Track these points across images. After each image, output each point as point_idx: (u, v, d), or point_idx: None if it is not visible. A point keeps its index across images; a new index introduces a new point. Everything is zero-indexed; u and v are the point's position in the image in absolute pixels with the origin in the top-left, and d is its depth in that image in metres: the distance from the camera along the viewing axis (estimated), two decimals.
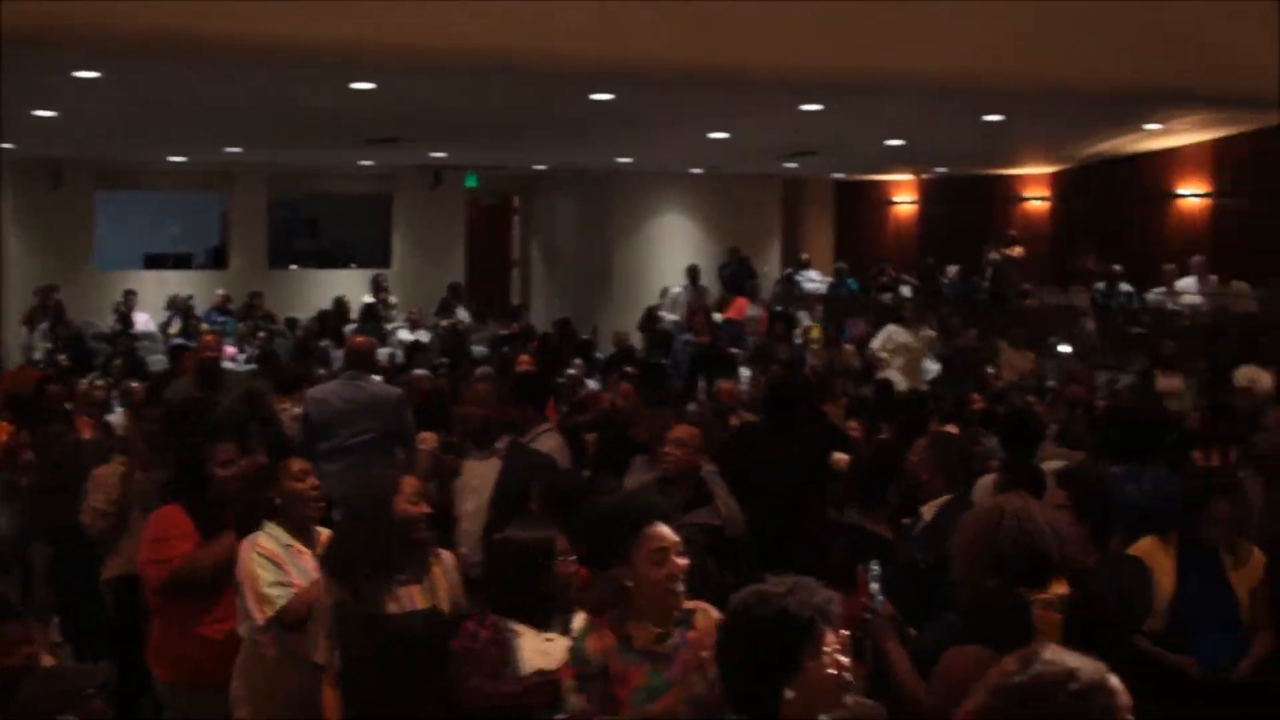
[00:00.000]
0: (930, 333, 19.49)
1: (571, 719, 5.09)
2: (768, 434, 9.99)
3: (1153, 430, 8.99)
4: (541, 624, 5.96)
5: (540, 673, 5.71)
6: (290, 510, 6.93)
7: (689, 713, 5.02)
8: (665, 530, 5.22)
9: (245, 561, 6.73)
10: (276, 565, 6.70)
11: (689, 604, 5.30)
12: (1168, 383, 15.22)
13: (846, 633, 4.23)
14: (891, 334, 19.16)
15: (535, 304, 30.13)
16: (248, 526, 6.96)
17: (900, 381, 16.51)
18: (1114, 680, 3.26)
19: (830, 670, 4.15)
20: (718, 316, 24.30)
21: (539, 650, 5.84)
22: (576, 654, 5.14)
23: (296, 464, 7.12)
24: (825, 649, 4.15)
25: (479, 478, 9.28)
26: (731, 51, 14.84)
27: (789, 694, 4.09)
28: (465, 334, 22.42)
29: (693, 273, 27.15)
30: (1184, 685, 6.82)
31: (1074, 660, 3.27)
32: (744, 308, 23.35)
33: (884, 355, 18.35)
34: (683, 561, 5.20)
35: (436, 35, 13.46)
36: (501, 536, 6.42)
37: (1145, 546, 7.21)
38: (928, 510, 7.92)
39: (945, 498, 7.93)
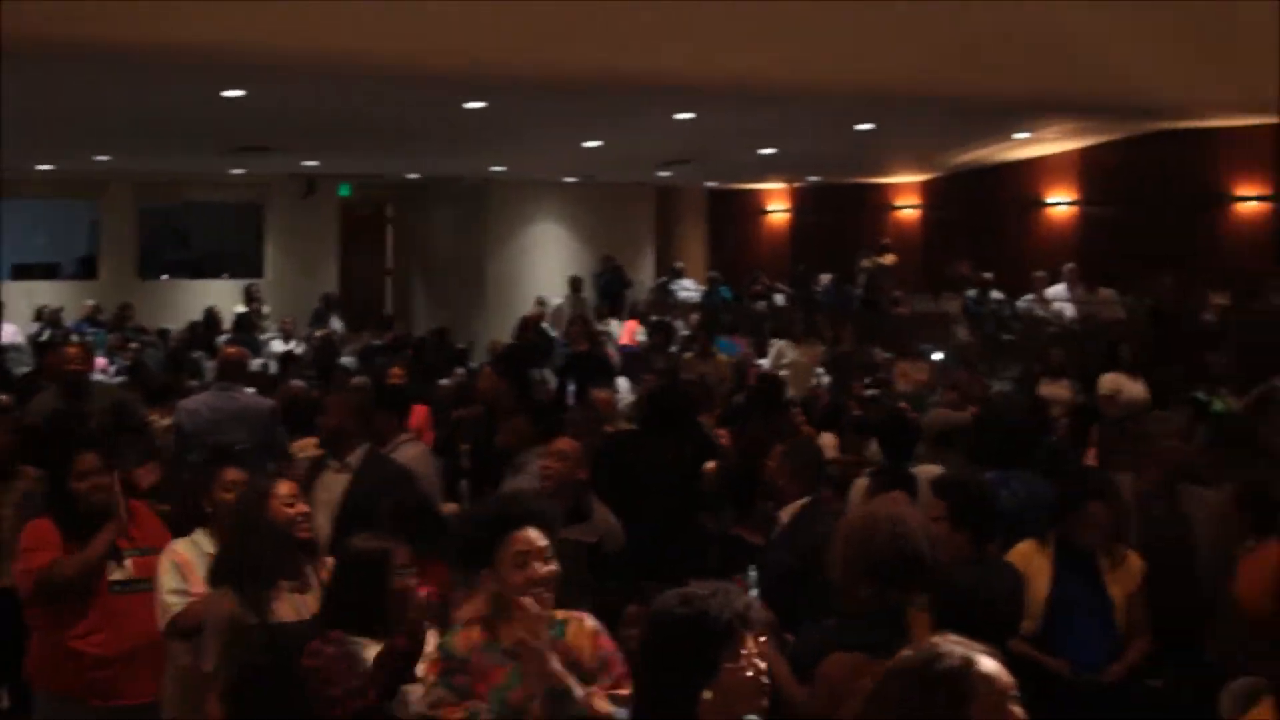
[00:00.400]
0: (818, 346, 19.58)
1: (431, 707, 5.02)
2: (644, 442, 9.98)
3: (1025, 436, 9.07)
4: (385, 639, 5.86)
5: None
6: (220, 520, 6.87)
7: (547, 709, 4.98)
8: (532, 534, 5.14)
9: (158, 568, 6.76)
10: (182, 574, 6.68)
11: (563, 614, 5.25)
12: (1053, 390, 15.35)
13: (765, 638, 4.24)
14: (781, 349, 19.23)
15: (410, 314, 29.99)
16: (180, 534, 6.98)
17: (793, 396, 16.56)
18: (991, 662, 3.37)
19: (748, 673, 4.17)
20: (618, 327, 24.28)
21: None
22: (444, 648, 5.08)
23: (230, 474, 7.06)
24: (744, 652, 4.17)
25: (329, 490, 8.95)
26: (603, 60, 14.85)
27: (706, 695, 4.11)
28: (338, 344, 22.23)
29: (575, 284, 27.12)
30: (1057, 686, 6.89)
31: (957, 646, 3.41)
32: (635, 330, 23.33)
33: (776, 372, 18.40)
34: (547, 568, 5.12)
35: (306, 41, 13.36)
36: (342, 547, 6.24)
37: (1023, 550, 7.29)
38: (784, 515, 7.99)
39: (801, 502, 7.98)
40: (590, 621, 5.23)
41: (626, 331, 22.96)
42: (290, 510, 6.40)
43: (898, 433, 9.93)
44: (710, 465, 10.05)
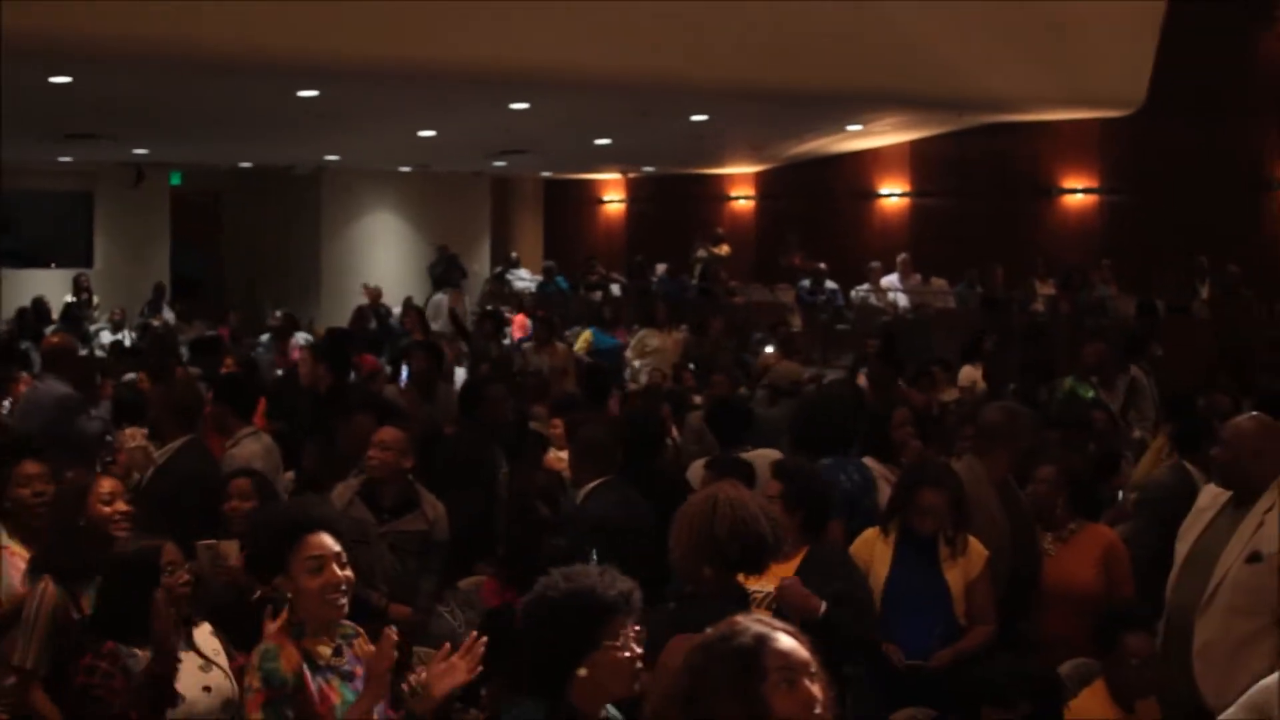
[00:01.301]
0: (681, 334, 19.58)
1: None
2: (466, 433, 10.08)
3: (853, 423, 9.19)
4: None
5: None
6: (16, 515, 6.79)
7: None
8: (325, 539, 5.05)
9: None
10: None
11: (350, 625, 5.18)
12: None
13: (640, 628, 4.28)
14: (643, 337, 19.22)
15: (244, 304, 29.62)
16: None
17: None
18: (787, 640, 3.52)
19: (625, 654, 4.21)
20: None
21: (199, 676, 5.60)
22: (269, 677, 4.89)
23: (27, 468, 6.93)
24: (624, 633, 4.21)
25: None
26: (436, 49, 14.80)
27: (582, 673, 4.14)
28: (170, 334, 21.91)
29: (438, 266, 26.98)
30: (891, 672, 6.96)
31: (755, 624, 3.57)
32: (524, 324, 23.17)
33: (636, 362, 18.39)
34: (344, 573, 5.04)
35: (133, 27, 13.16)
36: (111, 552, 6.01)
37: (867, 537, 7.34)
38: (581, 495, 8.10)
39: (595, 482, 8.09)
40: (369, 644, 5.11)
41: (517, 325, 22.79)
42: (108, 508, 6.28)
43: (728, 415, 10.02)
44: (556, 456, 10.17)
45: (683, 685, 3.60)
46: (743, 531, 5.34)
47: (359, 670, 5.06)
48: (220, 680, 5.60)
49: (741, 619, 3.68)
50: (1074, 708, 6.16)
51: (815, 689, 3.56)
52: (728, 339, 18.85)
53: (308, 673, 4.94)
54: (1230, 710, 5.70)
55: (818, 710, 3.55)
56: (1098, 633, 6.61)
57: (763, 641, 3.57)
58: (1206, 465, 8.40)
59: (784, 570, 6.36)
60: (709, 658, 3.58)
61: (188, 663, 5.57)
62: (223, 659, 5.70)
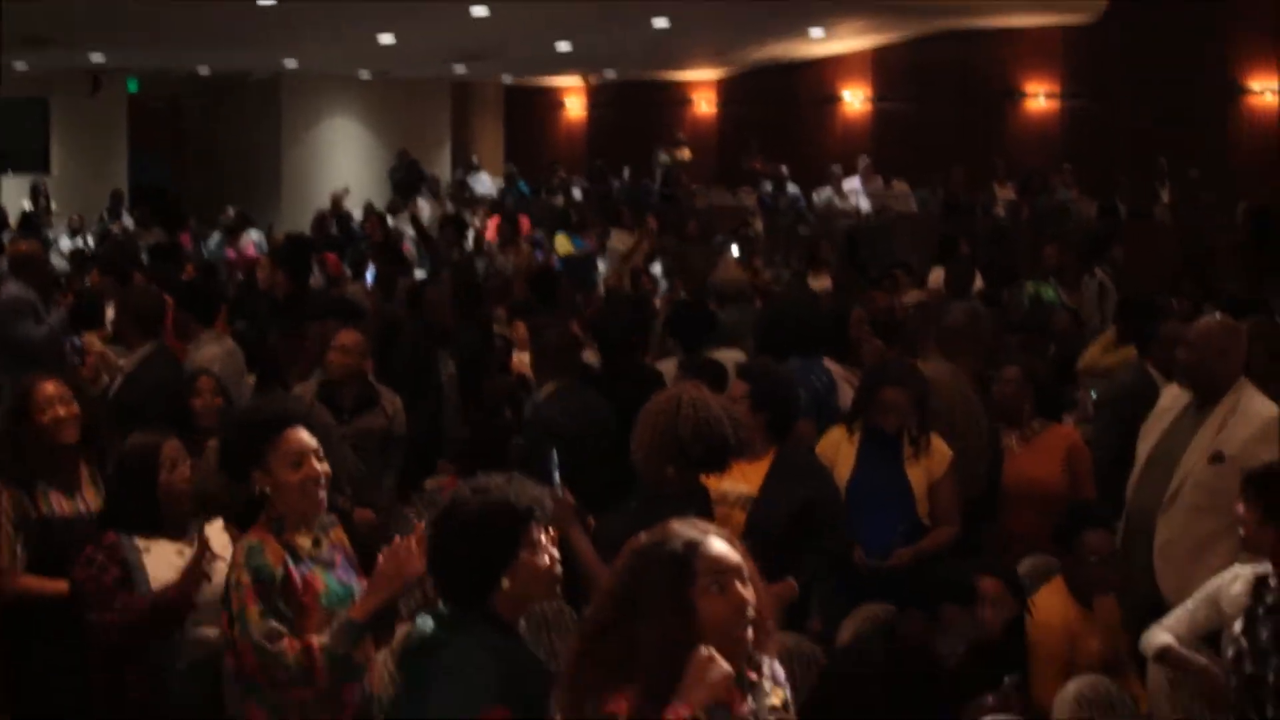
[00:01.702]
0: (642, 237, 19.46)
1: (269, 638, 4.92)
2: (409, 336, 10.14)
3: (817, 325, 9.22)
4: (173, 534, 5.78)
5: (166, 588, 5.56)
6: None
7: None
8: (303, 434, 5.11)
9: None
10: None
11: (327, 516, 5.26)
12: (817, 282, 15.48)
13: (556, 532, 4.31)
14: (612, 240, 19.14)
15: (205, 210, 29.43)
16: None
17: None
18: (718, 545, 3.63)
19: (543, 561, 4.22)
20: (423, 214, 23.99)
21: (171, 564, 5.66)
22: (258, 572, 4.93)
23: None
24: (539, 541, 4.22)
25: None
26: None
27: (505, 584, 4.15)
28: (130, 241, 21.78)
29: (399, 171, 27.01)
30: (853, 570, 7.01)
31: (689, 529, 3.68)
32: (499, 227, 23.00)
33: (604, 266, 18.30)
34: (322, 466, 5.10)
35: None
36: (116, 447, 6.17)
37: (832, 436, 7.40)
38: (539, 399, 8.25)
39: (552, 385, 8.26)
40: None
41: (492, 228, 22.64)
42: (59, 411, 6.27)
43: (689, 320, 10.05)
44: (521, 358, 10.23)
45: (618, 587, 3.68)
46: (706, 432, 5.36)
47: (339, 559, 5.15)
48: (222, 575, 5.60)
49: (676, 524, 3.75)
50: (1033, 604, 6.21)
51: (746, 593, 3.64)
52: (698, 243, 18.74)
53: (291, 565, 4.98)
54: (1185, 602, 5.78)
55: (750, 613, 3.64)
56: (1058, 531, 6.68)
57: (693, 547, 3.65)
58: (1164, 366, 8.51)
59: (754, 470, 6.42)
60: (643, 562, 3.66)
61: (167, 553, 5.71)
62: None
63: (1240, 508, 5.35)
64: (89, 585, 5.60)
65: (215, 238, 21.12)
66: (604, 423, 7.91)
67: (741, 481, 6.35)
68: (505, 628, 4.17)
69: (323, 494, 5.12)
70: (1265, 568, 5.34)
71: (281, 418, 5.18)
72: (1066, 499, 7.65)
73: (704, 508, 5.43)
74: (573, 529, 5.46)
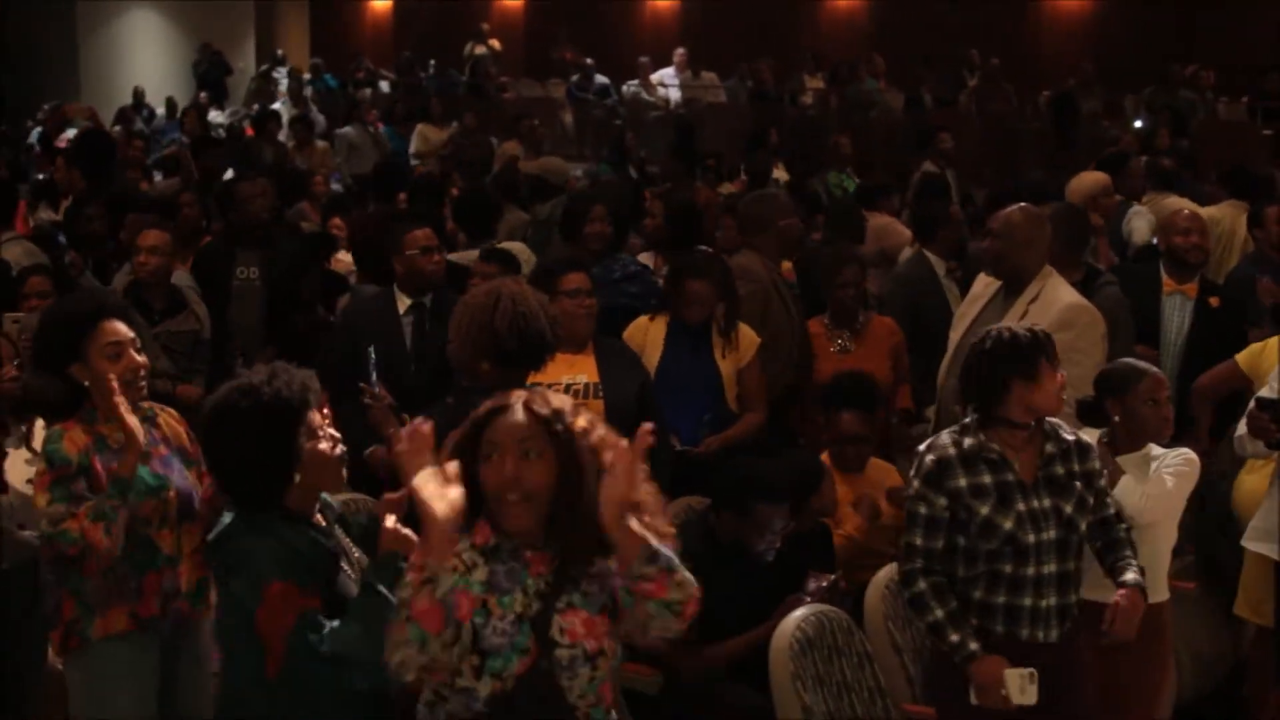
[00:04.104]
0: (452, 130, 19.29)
1: (53, 524, 4.90)
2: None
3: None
4: None
5: None
6: None
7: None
8: (120, 326, 5.10)
9: None
10: None
11: (149, 404, 5.26)
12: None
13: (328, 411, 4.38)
14: (421, 132, 18.92)
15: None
16: None
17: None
18: (515, 415, 3.79)
19: (324, 447, 4.26)
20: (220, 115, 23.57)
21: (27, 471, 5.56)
22: (51, 457, 4.95)
23: None
24: (316, 427, 4.26)
25: None
26: None
27: (296, 479, 4.20)
28: None
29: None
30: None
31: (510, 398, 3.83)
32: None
33: (416, 160, 18.10)
34: (141, 358, 5.11)
35: None
36: None
37: (639, 323, 7.46)
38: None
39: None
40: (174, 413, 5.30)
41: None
42: None
43: (475, 212, 10.09)
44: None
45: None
46: (522, 326, 5.37)
47: (162, 451, 5.13)
48: None
49: (501, 395, 3.88)
50: None
51: (509, 464, 3.76)
52: (483, 134, 18.60)
53: (95, 454, 4.97)
54: None
55: (513, 492, 3.77)
56: (823, 406, 7.24)
57: (491, 415, 3.82)
58: (942, 251, 9.28)
59: (581, 360, 6.57)
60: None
61: (16, 457, 5.71)
62: None
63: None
64: None
65: (34, 134, 20.60)
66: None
67: (580, 371, 6.48)
68: (293, 519, 4.21)
69: (143, 384, 5.13)
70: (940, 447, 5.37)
71: (99, 309, 5.15)
72: (892, 389, 7.92)
73: None
74: (391, 428, 5.48)
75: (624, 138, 17.49)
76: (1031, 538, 4.99)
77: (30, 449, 5.71)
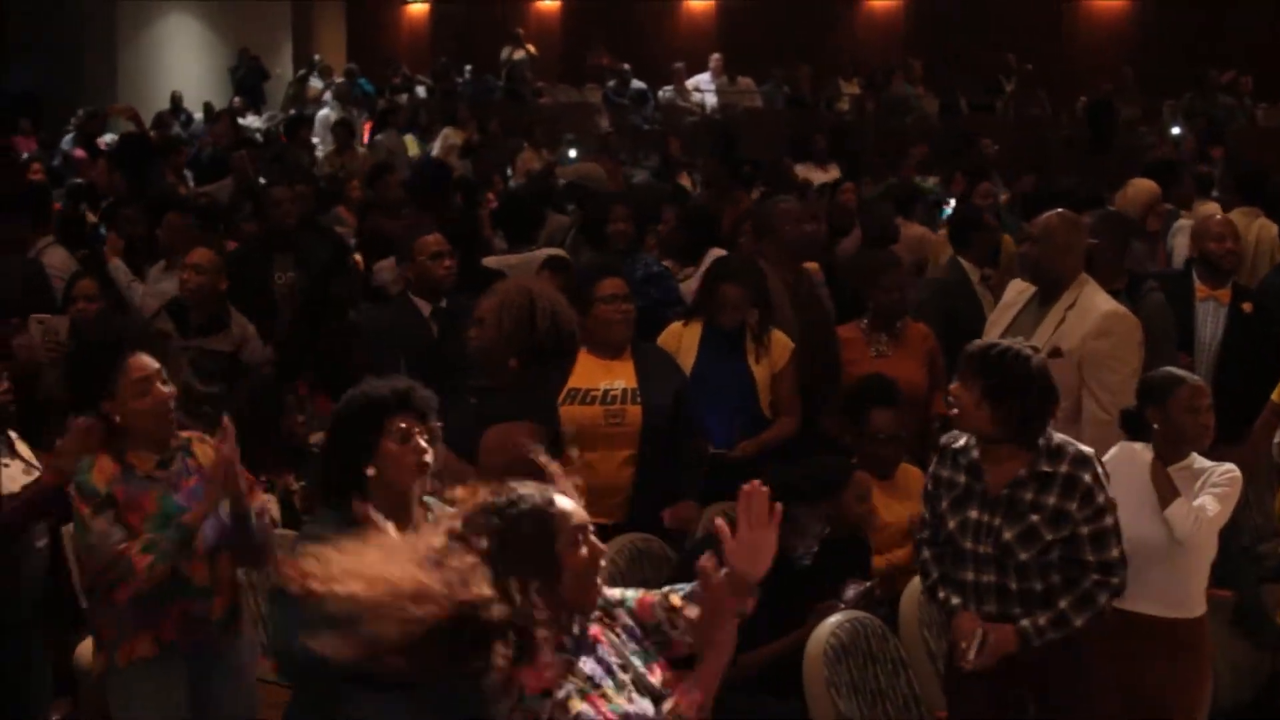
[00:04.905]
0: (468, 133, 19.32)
1: (99, 542, 4.94)
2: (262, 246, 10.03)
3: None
4: None
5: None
6: None
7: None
8: (144, 360, 5.13)
9: None
10: None
11: (185, 433, 5.29)
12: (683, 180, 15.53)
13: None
14: (446, 135, 18.96)
15: (30, 111, 28.70)
16: None
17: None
18: (565, 502, 3.60)
19: (400, 447, 4.38)
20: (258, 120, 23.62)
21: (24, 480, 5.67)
22: (83, 487, 4.99)
23: None
24: (397, 428, 4.38)
25: None
26: None
27: (370, 471, 4.35)
28: None
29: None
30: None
31: (534, 490, 3.61)
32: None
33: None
34: (169, 389, 5.14)
35: None
36: None
37: (673, 328, 7.45)
38: None
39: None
40: (211, 442, 5.21)
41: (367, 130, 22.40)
42: None
43: (519, 216, 10.08)
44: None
45: (476, 535, 3.53)
46: (560, 326, 5.43)
47: (192, 481, 5.16)
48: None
49: (515, 485, 3.65)
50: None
51: (597, 543, 3.65)
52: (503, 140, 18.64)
53: (121, 483, 5.02)
54: None
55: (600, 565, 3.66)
56: (847, 407, 7.11)
57: (551, 503, 3.60)
58: (978, 258, 9.28)
59: (620, 366, 6.60)
60: (502, 518, 3.56)
61: (13, 468, 5.69)
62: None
63: (955, 386, 5.27)
64: None
65: (68, 138, 20.66)
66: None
67: (618, 377, 6.54)
68: (356, 524, 4.18)
69: (173, 415, 5.17)
70: (958, 439, 5.33)
71: (118, 346, 5.17)
72: (931, 395, 7.86)
73: (545, 403, 5.53)
74: None
75: (667, 144, 17.47)
76: (969, 545, 5.12)
77: (21, 458, 5.76)
